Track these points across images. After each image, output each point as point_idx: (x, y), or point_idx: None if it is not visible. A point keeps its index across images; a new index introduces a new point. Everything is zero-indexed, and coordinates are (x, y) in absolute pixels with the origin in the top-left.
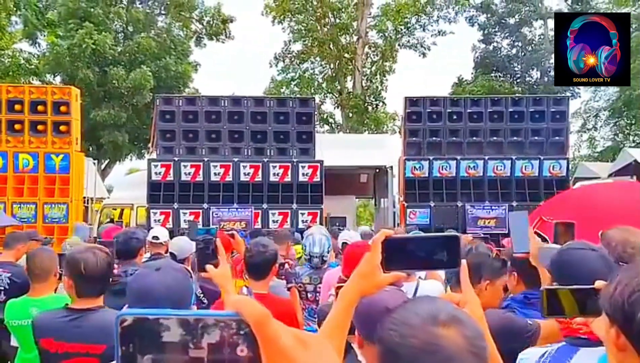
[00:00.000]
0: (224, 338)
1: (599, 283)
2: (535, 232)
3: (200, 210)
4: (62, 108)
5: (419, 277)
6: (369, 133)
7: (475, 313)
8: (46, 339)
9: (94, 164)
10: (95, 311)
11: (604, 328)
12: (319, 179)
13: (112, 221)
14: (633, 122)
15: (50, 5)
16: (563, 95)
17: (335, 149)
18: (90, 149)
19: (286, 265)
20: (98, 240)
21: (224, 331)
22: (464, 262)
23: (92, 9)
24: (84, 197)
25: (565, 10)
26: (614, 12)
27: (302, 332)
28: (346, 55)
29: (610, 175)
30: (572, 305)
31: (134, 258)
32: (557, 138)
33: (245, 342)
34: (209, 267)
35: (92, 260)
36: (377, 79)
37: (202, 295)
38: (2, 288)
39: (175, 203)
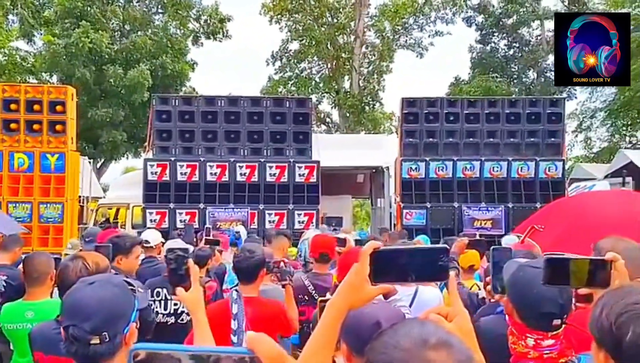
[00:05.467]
0: None
1: (610, 255)
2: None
3: (196, 211)
4: (58, 107)
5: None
6: (366, 133)
7: (463, 327)
8: (38, 352)
9: (90, 163)
10: None
11: (592, 350)
12: (315, 180)
13: (107, 221)
14: (630, 123)
15: (47, 4)
16: (559, 96)
17: (332, 149)
18: (87, 147)
19: (282, 264)
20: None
21: None
22: (452, 273)
23: (88, 8)
24: (80, 197)
25: (563, 11)
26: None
27: None
28: (343, 55)
29: (606, 177)
30: (582, 276)
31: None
32: (552, 139)
33: None
34: (178, 290)
35: (66, 270)
36: (374, 78)
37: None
38: None
39: (171, 203)
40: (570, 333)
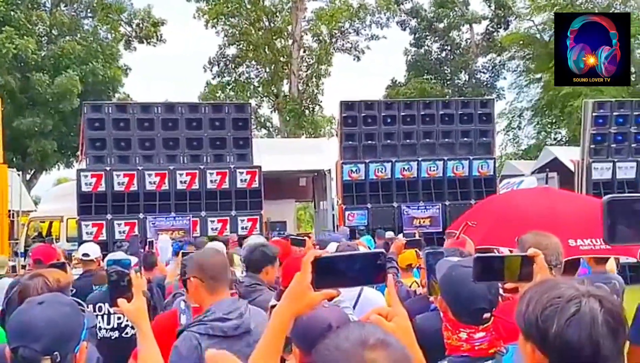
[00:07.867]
0: None
1: (532, 251)
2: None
3: (136, 221)
4: None
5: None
6: (306, 136)
7: (402, 325)
8: None
9: (19, 175)
10: None
11: (519, 342)
12: (257, 185)
13: (40, 235)
14: (554, 120)
15: None
16: (488, 97)
17: (274, 154)
18: (14, 158)
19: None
20: (28, 261)
21: None
22: (390, 277)
23: (12, 12)
24: (9, 211)
25: (489, 15)
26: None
27: None
28: (281, 58)
29: (533, 172)
30: (514, 271)
31: None
32: (484, 139)
33: None
34: (120, 301)
35: (27, 290)
36: (312, 82)
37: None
38: None
39: (109, 214)
40: (499, 324)
